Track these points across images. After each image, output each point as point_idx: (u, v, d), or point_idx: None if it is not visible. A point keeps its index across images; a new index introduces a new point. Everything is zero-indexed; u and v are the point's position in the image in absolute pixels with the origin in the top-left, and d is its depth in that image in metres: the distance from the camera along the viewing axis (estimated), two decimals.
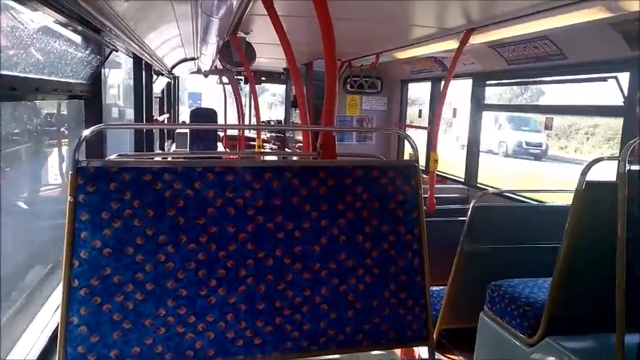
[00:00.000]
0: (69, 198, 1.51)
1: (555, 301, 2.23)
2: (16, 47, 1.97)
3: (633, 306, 1.87)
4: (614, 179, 1.96)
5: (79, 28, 2.44)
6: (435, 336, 3.13)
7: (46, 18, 2.12)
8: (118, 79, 6.33)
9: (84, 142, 1.61)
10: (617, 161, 1.96)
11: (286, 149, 9.37)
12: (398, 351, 2.33)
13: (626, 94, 3.24)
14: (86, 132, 1.62)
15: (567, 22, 2.92)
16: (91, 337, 1.51)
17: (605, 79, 3.55)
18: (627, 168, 1.93)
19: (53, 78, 2.43)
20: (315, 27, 2.11)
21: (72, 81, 2.71)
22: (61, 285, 1.52)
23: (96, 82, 3.00)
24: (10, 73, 1.91)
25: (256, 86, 6.22)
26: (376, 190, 1.79)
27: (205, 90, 19.67)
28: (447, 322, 3.11)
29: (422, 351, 1.89)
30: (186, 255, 1.60)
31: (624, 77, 3.29)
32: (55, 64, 2.44)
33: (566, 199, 2.30)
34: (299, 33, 4.06)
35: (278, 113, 10.49)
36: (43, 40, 2.24)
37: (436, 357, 1.82)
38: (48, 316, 2.24)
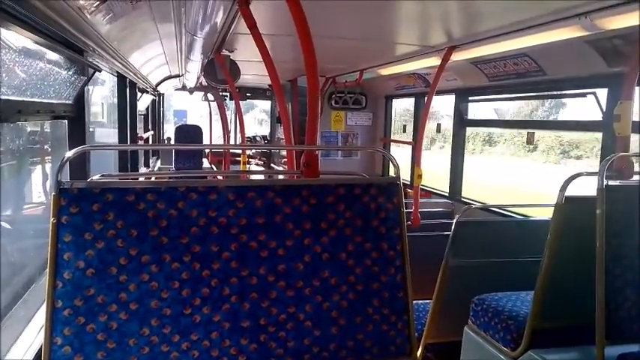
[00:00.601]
0: (52, 219, 1.51)
1: (537, 314, 2.26)
2: None
3: (613, 319, 1.91)
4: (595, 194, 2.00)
5: (61, 49, 2.42)
6: (420, 350, 3.14)
7: (28, 40, 2.11)
8: (102, 96, 6.28)
9: (67, 163, 1.60)
10: (596, 176, 2.01)
11: (272, 164, 9.36)
12: None
13: (604, 109, 3.32)
14: (69, 153, 1.62)
15: (546, 39, 3.00)
16: (75, 357, 1.51)
17: (584, 95, 3.64)
18: (605, 183, 1.97)
19: (36, 99, 2.41)
20: (299, 44, 2.13)
21: (55, 102, 2.69)
22: (44, 305, 1.51)
23: (79, 102, 2.98)
24: None
25: (245, 102, 6.23)
26: (359, 208, 1.81)
27: (191, 107, 19.65)
28: (432, 337, 3.12)
29: None
30: (170, 274, 1.60)
31: (603, 93, 3.38)
32: (38, 86, 2.42)
33: (548, 214, 2.34)
34: (283, 50, 4.10)
35: (267, 129, 10.53)
36: (25, 62, 2.22)
37: None
38: (31, 337, 2.20)
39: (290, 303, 1.72)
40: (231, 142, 10.18)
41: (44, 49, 2.41)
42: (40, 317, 2.28)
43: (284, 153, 7.97)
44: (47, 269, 1.51)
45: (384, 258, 1.82)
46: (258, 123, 21.38)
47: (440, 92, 5.15)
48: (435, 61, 3.94)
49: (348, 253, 1.78)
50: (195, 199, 1.64)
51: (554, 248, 2.21)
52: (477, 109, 5.30)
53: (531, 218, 3.66)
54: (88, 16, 2.27)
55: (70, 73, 2.80)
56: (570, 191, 2.20)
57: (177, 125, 9.74)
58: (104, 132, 6.10)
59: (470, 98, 4.96)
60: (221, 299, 1.65)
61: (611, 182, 2.01)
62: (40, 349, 1.58)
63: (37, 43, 2.22)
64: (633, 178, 2.26)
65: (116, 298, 1.55)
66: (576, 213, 2.15)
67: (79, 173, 2.91)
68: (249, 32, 2.68)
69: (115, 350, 1.54)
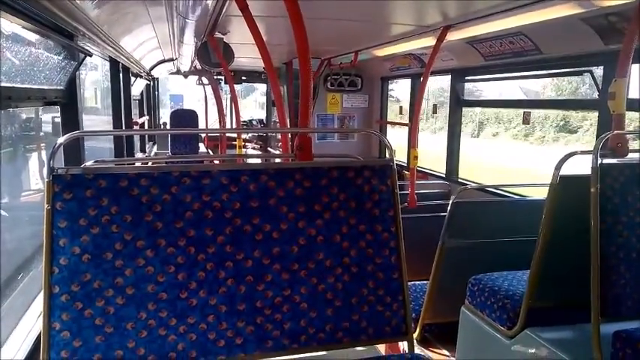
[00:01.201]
0: (46, 205, 1.52)
1: (533, 293, 2.27)
2: None
3: (608, 297, 1.93)
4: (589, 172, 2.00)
5: (51, 34, 2.39)
6: (418, 331, 3.18)
7: (17, 26, 2.08)
8: (95, 81, 6.22)
9: (60, 149, 1.59)
10: (590, 155, 2.00)
11: (269, 148, 9.34)
12: (382, 347, 2.36)
13: (600, 87, 3.31)
14: (61, 139, 1.62)
15: (541, 17, 2.97)
16: (73, 342, 1.52)
17: (580, 73, 3.62)
18: (600, 161, 1.97)
19: (27, 85, 2.38)
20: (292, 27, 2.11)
21: (46, 87, 2.66)
22: (42, 292, 1.52)
23: (71, 87, 2.96)
24: None
25: (246, 85, 6.19)
26: (353, 190, 1.81)
27: (187, 92, 19.48)
28: (430, 317, 3.16)
29: (406, 346, 1.92)
30: (165, 259, 1.61)
31: (599, 71, 3.36)
32: (28, 72, 2.39)
33: (544, 193, 2.34)
34: (277, 33, 4.05)
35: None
36: (15, 47, 2.20)
37: (419, 351, 1.85)
38: (30, 324, 2.22)
39: (285, 285, 1.73)
40: (227, 126, 10.13)
41: (34, 35, 2.37)
42: (39, 304, 2.29)
43: (280, 137, 7.94)
44: (43, 256, 1.52)
45: (378, 240, 1.84)
46: (260, 107, 21.24)
47: (435, 72, 5.12)
48: (430, 41, 3.90)
49: (343, 236, 1.79)
50: (188, 183, 1.64)
51: (549, 227, 2.22)
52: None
53: (527, 198, 3.67)
54: (77, 0, 2.23)
55: (61, 58, 2.77)
56: (567, 170, 2.20)
57: (173, 110, 9.67)
58: (97, 120, 6.05)
59: (466, 78, 4.93)
60: (217, 283, 1.66)
61: (605, 160, 2.01)
62: (40, 335, 1.59)
63: (26, 28, 2.19)
64: (628, 156, 2.26)
65: (112, 283, 1.56)
66: (571, 192, 2.15)
67: (74, 159, 2.90)
68: (241, 14, 2.65)
69: (113, 334, 1.55)
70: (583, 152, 2.11)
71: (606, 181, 1.97)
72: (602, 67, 3.32)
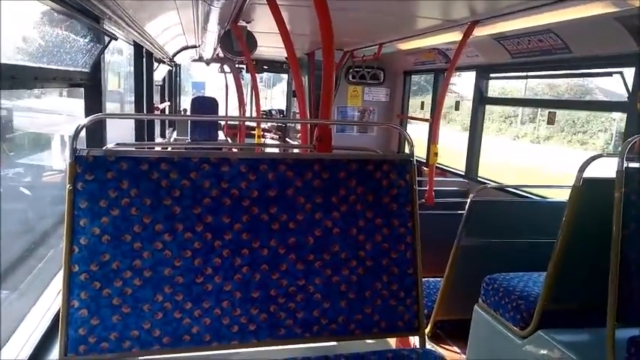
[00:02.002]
0: (68, 186, 1.53)
1: (548, 295, 2.26)
2: (16, 36, 1.95)
3: (625, 302, 1.90)
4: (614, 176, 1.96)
5: (78, 16, 2.41)
6: (429, 327, 3.17)
7: (45, 7, 2.10)
8: (120, 65, 6.29)
9: (82, 131, 1.61)
10: (616, 158, 1.96)
11: (287, 139, 9.35)
12: (393, 340, 2.36)
13: (630, 89, 3.22)
14: (84, 121, 1.63)
15: (573, 15, 2.90)
16: (91, 320, 1.55)
17: (610, 74, 3.53)
18: (625, 165, 1.92)
19: (52, 66, 2.41)
20: (316, 16, 2.09)
21: (72, 69, 2.70)
22: (62, 270, 1.55)
23: (96, 70, 2.99)
24: (10, 62, 1.91)
25: (273, 75, 6.20)
26: (371, 184, 1.80)
27: (209, 79, 19.58)
28: (442, 314, 3.15)
29: (417, 341, 1.91)
30: (182, 243, 1.62)
31: (630, 72, 3.27)
32: (55, 53, 2.42)
33: (565, 195, 2.30)
34: (301, 22, 4.03)
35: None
36: (43, 28, 2.22)
37: (430, 347, 1.84)
38: (50, 300, 2.27)
39: (300, 275, 1.73)
40: (247, 115, 10.16)
41: (61, 17, 2.40)
42: (58, 283, 2.34)
43: (299, 127, 7.95)
44: (64, 235, 1.54)
45: (394, 234, 1.82)
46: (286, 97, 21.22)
47: (460, 69, 5.05)
48: (456, 36, 3.84)
49: (359, 229, 1.79)
50: (207, 170, 1.64)
51: (569, 230, 2.18)
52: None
53: (547, 199, 3.61)
54: None
55: (87, 40, 2.80)
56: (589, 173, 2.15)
57: (194, 97, 9.75)
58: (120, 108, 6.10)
59: (491, 75, 4.84)
60: (232, 269, 1.67)
61: (631, 164, 1.96)
62: (58, 313, 1.62)
63: (54, 10, 2.21)
64: None
65: (130, 265, 1.58)
66: (594, 195, 2.11)
67: (96, 142, 2.94)
68: (265, 2, 2.64)
69: (129, 315, 1.58)
70: (609, 155, 2.07)
71: (631, 185, 1.92)
72: (633, 69, 3.23)
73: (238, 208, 1.67)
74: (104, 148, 1.73)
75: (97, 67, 2.98)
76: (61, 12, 2.26)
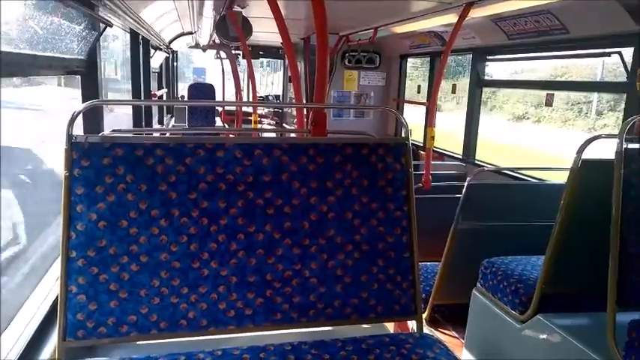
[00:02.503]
0: (64, 172, 1.54)
1: (547, 278, 2.25)
2: (10, 23, 1.95)
3: (625, 285, 1.88)
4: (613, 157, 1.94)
5: (71, 2, 2.40)
6: (427, 311, 3.19)
7: None
8: (116, 52, 6.25)
9: (78, 117, 1.61)
10: (615, 139, 1.94)
11: (284, 124, 9.33)
12: (391, 325, 2.38)
13: (630, 69, 3.21)
14: (80, 107, 1.63)
15: None
16: (89, 305, 1.57)
17: (608, 54, 3.51)
18: (625, 146, 1.91)
19: (48, 54, 2.40)
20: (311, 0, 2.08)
21: (67, 57, 2.69)
22: (60, 256, 1.56)
23: (91, 57, 2.97)
24: (4, 49, 1.90)
25: (274, 61, 6.17)
26: (366, 168, 1.80)
27: (210, 65, 19.46)
28: (440, 298, 3.16)
29: (414, 325, 1.92)
30: (178, 228, 1.63)
31: (628, 52, 3.26)
32: (50, 40, 2.41)
33: (563, 178, 2.30)
34: (296, 7, 4.00)
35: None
36: (37, 15, 2.21)
37: (428, 331, 1.86)
38: (48, 288, 2.29)
39: (296, 260, 1.74)
40: (244, 100, 10.11)
41: (55, 3, 2.38)
42: (56, 270, 2.36)
43: (295, 112, 7.93)
44: (61, 221, 1.55)
45: (390, 218, 1.82)
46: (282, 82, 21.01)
47: (456, 51, 5.02)
48: (452, 18, 3.81)
49: (354, 213, 1.79)
50: (202, 155, 1.65)
51: (567, 212, 2.17)
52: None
53: (545, 182, 3.62)
54: None
55: (82, 27, 2.78)
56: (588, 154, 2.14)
57: (191, 83, 9.72)
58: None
59: (488, 57, 4.82)
60: (228, 254, 1.68)
61: (630, 145, 1.95)
62: (57, 299, 1.63)
63: None
64: None
65: (127, 250, 1.59)
66: (592, 176, 2.09)
67: (93, 128, 2.94)
68: None
69: (127, 300, 1.59)
70: (607, 136, 2.03)
71: (631, 166, 1.89)
72: (631, 49, 3.22)
73: (233, 193, 1.68)
74: (100, 134, 1.73)
75: (92, 54, 2.97)
76: None
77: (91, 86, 2.98)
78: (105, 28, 3.04)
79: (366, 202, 1.80)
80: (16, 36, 2.07)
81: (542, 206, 2.83)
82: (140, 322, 1.61)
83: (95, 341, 1.58)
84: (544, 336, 2.22)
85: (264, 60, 9.77)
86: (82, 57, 2.91)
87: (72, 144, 1.55)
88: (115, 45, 5.75)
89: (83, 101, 2.96)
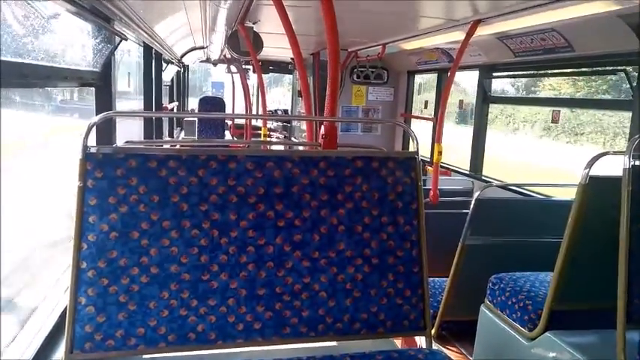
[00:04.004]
0: (78, 183, 1.55)
1: (556, 295, 2.22)
2: (28, 35, 2.01)
3: (634, 302, 1.86)
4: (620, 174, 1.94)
5: (89, 17, 2.47)
6: (435, 328, 3.16)
7: (58, 7, 2.16)
8: (129, 66, 6.37)
9: (93, 129, 1.64)
10: (622, 156, 1.95)
11: (292, 138, 9.39)
12: (399, 340, 2.36)
13: (635, 87, 3.23)
14: (95, 119, 1.65)
15: (575, 14, 2.90)
16: (98, 317, 1.56)
17: (614, 72, 3.54)
18: (632, 162, 1.90)
19: (64, 66, 2.47)
20: (322, 16, 2.12)
21: (82, 69, 2.76)
22: (70, 266, 1.56)
23: (106, 70, 3.04)
24: (22, 61, 1.96)
25: (271, 76, 6.25)
26: (376, 181, 1.81)
27: (227, 79, 19.73)
28: (448, 314, 3.12)
29: (422, 340, 1.91)
30: (189, 240, 1.63)
31: (634, 70, 3.28)
32: (66, 52, 2.48)
33: (571, 194, 2.30)
34: (306, 23, 4.08)
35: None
36: (54, 28, 2.29)
37: (436, 348, 1.85)
38: (57, 298, 2.30)
39: (305, 273, 1.73)
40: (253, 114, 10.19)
41: (73, 17, 2.46)
42: (66, 280, 2.38)
43: (304, 127, 7.99)
44: (73, 232, 1.55)
45: (400, 232, 1.82)
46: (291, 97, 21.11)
47: (463, 68, 5.07)
48: (459, 35, 3.86)
49: (364, 226, 1.79)
50: (215, 167, 1.66)
51: (575, 228, 2.15)
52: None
53: (552, 198, 3.62)
54: None
55: (98, 41, 2.86)
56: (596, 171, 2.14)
57: (201, 97, 9.86)
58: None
59: (494, 74, 4.86)
60: (238, 267, 1.67)
61: (638, 162, 1.95)
62: (65, 310, 1.63)
63: (69, 11, 2.27)
64: None
65: (137, 262, 1.58)
66: (600, 193, 2.09)
67: (106, 140, 3.00)
68: (272, 3, 2.68)
69: (136, 312, 1.58)
70: (615, 153, 2.03)
71: (638, 183, 1.89)
72: (637, 67, 3.24)
73: (244, 205, 1.68)
74: (114, 145, 1.77)
75: (107, 67, 3.04)
76: (74, 13, 2.32)
77: (104, 98, 3.04)
78: (120, 42, 3.12)
79: (376, 216, 1.80)
80: (34, 47, 2.14)
81: (551, 222, 2.82)
82: (148, 334, 1.60)
83: (103, 354, 1.57)
84: (553, 354, 2.18)
85: (264, 75, 9.86)
86: (97, 69, 2.98)
87: (86, 155, 1.56)
88: (128, 58, 5.86)
89: (97, 113, 3.02)
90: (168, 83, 8.87)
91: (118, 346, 1.57)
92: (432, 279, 3.52)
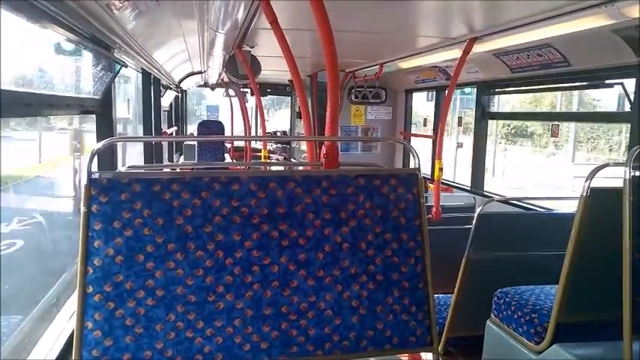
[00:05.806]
0: (83, 208, 1.57)
1: (562, 308, 2.22)
2: (32, 66, 2.04)
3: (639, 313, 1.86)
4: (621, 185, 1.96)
5: (90, 45, 2.50)
6: (442, 344, 3.13)
7: (59, 37, 2.19)
8: (128, 93, 6.43)
9: (96, 155, 1.66)
10: (622, 167, 1.96)
11: (292, 159, 9.42)
12: (406, 357, 2.34)
13: (632, 100, 3.25)
14: (98, 145, 1.68)
15: (570, 29, 2.94)
16: (105, 341, 1.56)
17: (611, 86, 3.57)
18: (632, 174, 1.93)
19: (66, 94, 2.49)
20: (319, 39, 2.15)
21: (84, 96, 2.78)
22: (76, 291, 1.57)
23: (107, 97, 3.07)
24: (26, 90, 1.98)
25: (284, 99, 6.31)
26: (378, 199, 1.82)
27: (222, 103, 19.88)
28: (454, 330, 3.11)
29: (428, 357, 1.89)
30: (194, 262, 1.65)
31: (631, 83, 3.31)
32: (67, 81, 2.50)
33: (573, 207, 2.30)
34: (303, 45, 4.13)
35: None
36: (56, 58, 2.31)
37: None
38: (63, 323, 2.28)
39: (310, 292, 1.74)
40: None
41: (73, 46, 2.49)
42: (72, 304, 2.36)
43: (303, 148, 8.01)
44: (79, 256, 1.57)
45: (404, 248, 1.84)
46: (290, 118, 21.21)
47: (461, 85, 5.12)
48: (456, 53, 3.91)
49: (368, 243, 1.80)
50: (218, 189, 1.68)
51: (578, 240, 2.17)
52: None
53: (554, 211, 3.61)
54: (116, 12, 2.34)
55: (98, 69, 2.89)
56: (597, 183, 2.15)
57: (200, 121, 9.93)
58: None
59: (492, 90, 4.91)
60: (244, 287, 1.68)
61: (638, 173, 1.97)
62: (72, 334, 1.63)
63: (70, 40, 2.30)
64: None
65: (143, 285, 1.60)
66: (602, 205, 2.10)
67: (108, 166, 3.00)
68: (269, 27, 2.72)
69: (142, 335, 1.59)
70: (615, 164, 2.07)
71: (639, 193, 1.92)
72: (633, 79, 3.27)
73: (248, 225, 1.70)
74: (117, 170, 1.77)
75: (107, 94, 3.07)
76: (75, 42, 2.35)
77: (105, 124, 3.06)
78: (120, 69, 3.15)
79: (379, 233, 1.81)
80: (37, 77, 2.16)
81: (553, 235, 2.81)
82: (156, 357, 1.60)
83: None
84: None
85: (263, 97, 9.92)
86: (98, 97, 3.01)
87: (90, 180, 1.59)
88: (127, 86, 5.92)
89: (98, 139, 3.04)
90: (167, 108, 8.93)
91: None
92: (436, 295, 3.50)
